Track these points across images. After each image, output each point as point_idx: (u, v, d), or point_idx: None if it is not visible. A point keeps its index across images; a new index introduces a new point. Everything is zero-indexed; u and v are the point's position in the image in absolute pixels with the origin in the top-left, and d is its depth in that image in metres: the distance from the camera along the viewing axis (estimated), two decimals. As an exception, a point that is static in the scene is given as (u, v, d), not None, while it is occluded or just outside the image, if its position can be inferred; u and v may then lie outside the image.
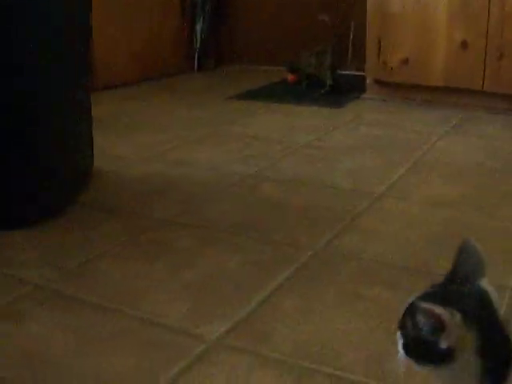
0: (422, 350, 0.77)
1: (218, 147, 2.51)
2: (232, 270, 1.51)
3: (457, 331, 0.75)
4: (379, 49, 3.24)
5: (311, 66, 3.56)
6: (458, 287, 0.82)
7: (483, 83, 3.05)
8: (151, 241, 1.68)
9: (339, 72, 3.73)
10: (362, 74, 3.45)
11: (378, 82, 3.35)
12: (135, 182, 2.14)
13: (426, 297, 0.80)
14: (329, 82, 3.50)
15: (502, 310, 1.30)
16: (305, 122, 2.91)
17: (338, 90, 3.52)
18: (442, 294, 0.81)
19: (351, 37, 4.11)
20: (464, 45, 3.06)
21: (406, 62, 3.20)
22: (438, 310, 0.74)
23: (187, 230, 1.74)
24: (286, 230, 1.74)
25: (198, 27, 4.30)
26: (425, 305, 0.75)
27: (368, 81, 3.38)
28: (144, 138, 2.64)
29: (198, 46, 4.33)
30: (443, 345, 0.75)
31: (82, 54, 1.99)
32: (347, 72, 4.15)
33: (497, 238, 1.69)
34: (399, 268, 1.53)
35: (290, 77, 3.79)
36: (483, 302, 0.81)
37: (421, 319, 0.76)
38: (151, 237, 1.70)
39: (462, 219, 1.82)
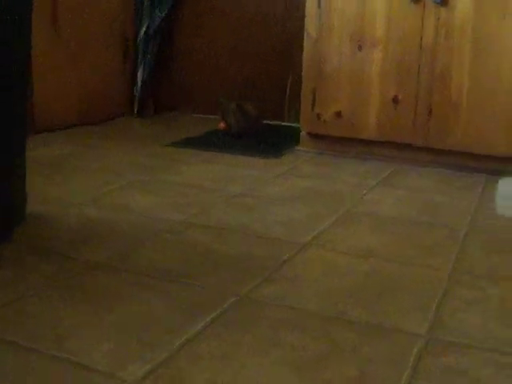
0: None
1: (152, 194, 2.55)
2: (157, 314, 1.55)
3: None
4: (313, 102, 3.33)
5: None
6: None
7: (413, 138, 3.16)
8: (80, 284, 1.70)
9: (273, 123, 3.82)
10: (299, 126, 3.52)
11: (312, 134, 3.43)
12: (69, 225, 2.17)
13: None
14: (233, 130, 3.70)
15: (411, 360, 1.36)
16: (239, 172, 2.96)
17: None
18: None
19: (288, 89, 4.20)
20: (395, 100, 3.16)
21: (339, 115, 3.29)
22: None
23: (116, 275, 1.77)
24: (212, 277, 1.78)
25: (140, 73, 4.35)
26: None
27: (302, 133, 3.46)
28: (80, 183, 2.66)
29: (139, 91, 4.38)
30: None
31: (20, 94, 2.02)
32: (285, 124, 4.24)
33: (415, 287, 1.75)
34: (317, 316, 1.58)
35: (221, 124, 3.87)
36: None
37: None
38: (80, 280, 1.73)
39: (382, 269, 1.88)
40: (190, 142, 3.58)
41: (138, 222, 2.22)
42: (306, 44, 3.31)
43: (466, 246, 2.11)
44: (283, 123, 4.25)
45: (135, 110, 4.41)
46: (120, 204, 2.40)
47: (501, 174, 3.04)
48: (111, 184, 2.66)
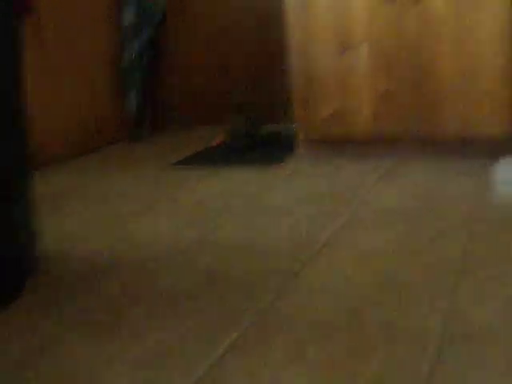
0: None
1: (159, 218, 2.58)
2: (177, 342, 1.57)
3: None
4: (306, 107, 3.35)
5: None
6: None
7: (407, 131, 3.18)
8: (99, 320, 1.73)
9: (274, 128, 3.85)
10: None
11: (308, 138, 3.45)
12: (82, 260, 2.19)
13: None
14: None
15: (430, 352, 1.39)
16: (242, 185, 2.99)
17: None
18: None
19: (284, 93, 4.21)
20: (386, 96, 3.18)
21: (333, 116, 3.31)
22: None
23: (133, 306, 1.80)
24: (227, 298, 1.80)
25: (132, 97, 4.35)
26: None
27: (300, 137, 3.48)
28: (87, 214, 2.69)
29: (133, 116, 4.38)
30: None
31: (20, 134, 2.03)
32: (284, 127, 4.25)
33: (428, 281, 1.78)
34: (334, 324, 1.60)
35: (216, 141, 3.91)
36: None
37: None
38: (99, 316, 1.75)
39: (392, 267, 1.91)
40: (191, 160, 3.60)
41: (148, 249, 2.25)
42: (292, 51, 3.33)
43: (472, 233, 2.14)
44: (282, 127, 4.25)
45: (131, 134, 4.41)
46: (128, 232, 2.43)
47: (495, 156, 3.06)
48: (117, 212, 2.69)
